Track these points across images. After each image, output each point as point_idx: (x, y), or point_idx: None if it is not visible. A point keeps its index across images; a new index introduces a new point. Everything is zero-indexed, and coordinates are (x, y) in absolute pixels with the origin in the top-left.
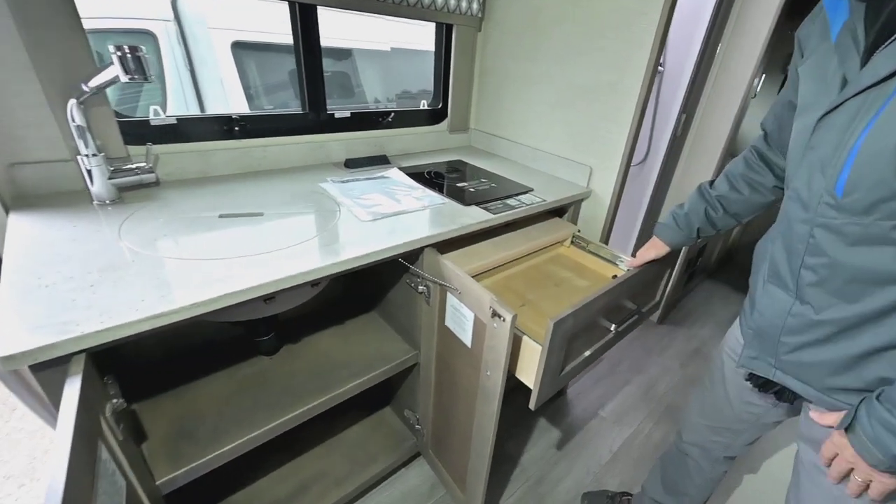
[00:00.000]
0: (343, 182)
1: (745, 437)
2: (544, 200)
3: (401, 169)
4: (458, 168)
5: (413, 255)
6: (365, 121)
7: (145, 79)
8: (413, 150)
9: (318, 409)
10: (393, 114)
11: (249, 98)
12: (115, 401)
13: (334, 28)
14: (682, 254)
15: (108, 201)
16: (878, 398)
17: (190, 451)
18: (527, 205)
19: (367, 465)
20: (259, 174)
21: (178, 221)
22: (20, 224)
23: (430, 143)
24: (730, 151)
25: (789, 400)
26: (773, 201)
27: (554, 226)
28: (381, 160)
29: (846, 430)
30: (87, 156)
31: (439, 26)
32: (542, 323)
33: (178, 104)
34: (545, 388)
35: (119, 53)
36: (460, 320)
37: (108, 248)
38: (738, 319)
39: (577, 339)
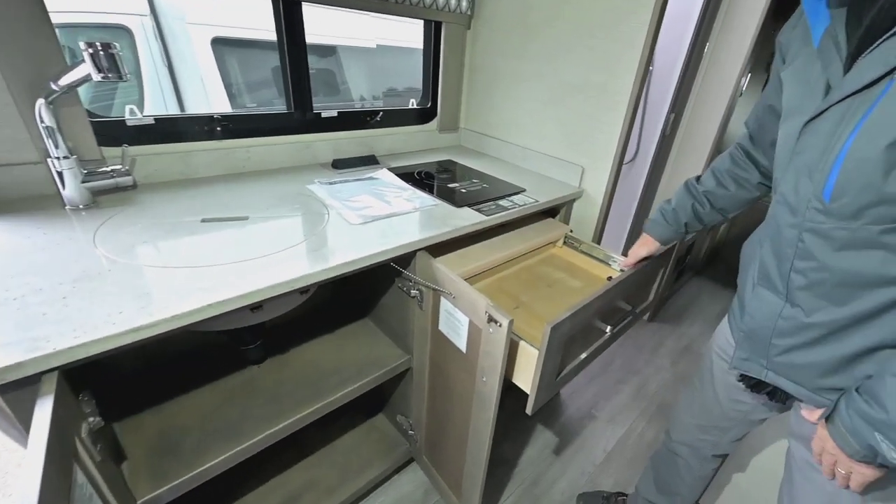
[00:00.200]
0: (331, 183)
1: (733, 434)
2: (537, 201)
3: (390, 169)
4: (448, 168)
5: (405, 259)
6: (352, 120)
7: (120, 77)
8: (402, 150)
9: (309, 419)
10: (381, 113)
11: (231, 96)
12: (91, 419)
13: (318, 24)
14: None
15: (81, 206)
16: (857, 390)
17: (173, 467)
18: (520, 205)
19: (360, 473)
20: (243, 176)
21: (157, 227)
22: None
23: (419, 143)
24: (718, 149)
25: (781, 400)
26: (758, 197)
27: (546, 226)
28: (370, 160)
29: (827, 420)
30: (57, 158)
31: (428, 24)
32: (537, 326)
33: (157, 103)
34: (542, 392)
35: (91, 50)
36: (454, 325)
37: (82, 257)
38: (726, 317)
39: (573, 342)
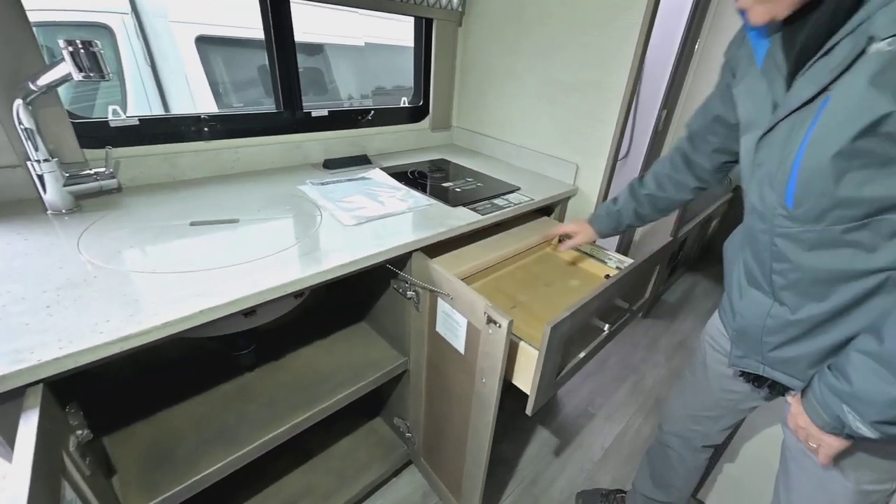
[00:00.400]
0: (323, 184)
1: (723, 423)
2: (532, 199)
3: (383, 169)
4: (441, 167)
5: (401, 261)
6: (343, 119)
7: (102, 77)
8: (394, 150)
9: (305, 424)
10: (373, 112)
11: (217, 96)
12: (79, 432)
13: (305, 22)
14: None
15: (64, 210)
16: (828, 367)
17: (166, 478)
18: (515, 204)
19: (357, 477)
20: (232, 177)
21: (144, 231)
22: None
23: (411, 142)
24: None
25: (781, 392)
26: (692, 199)
27: (542, 225)
28: (362, 160)
29: (802, 396)
30: (37, 161)
31: (418, 21)
32: (535, 326)
33: (140, 103)
34: (542, 393)
35: (71, 49)
36: (452, 326)
37: (65, 263)
38: (717, 310)
39: (572, 341)
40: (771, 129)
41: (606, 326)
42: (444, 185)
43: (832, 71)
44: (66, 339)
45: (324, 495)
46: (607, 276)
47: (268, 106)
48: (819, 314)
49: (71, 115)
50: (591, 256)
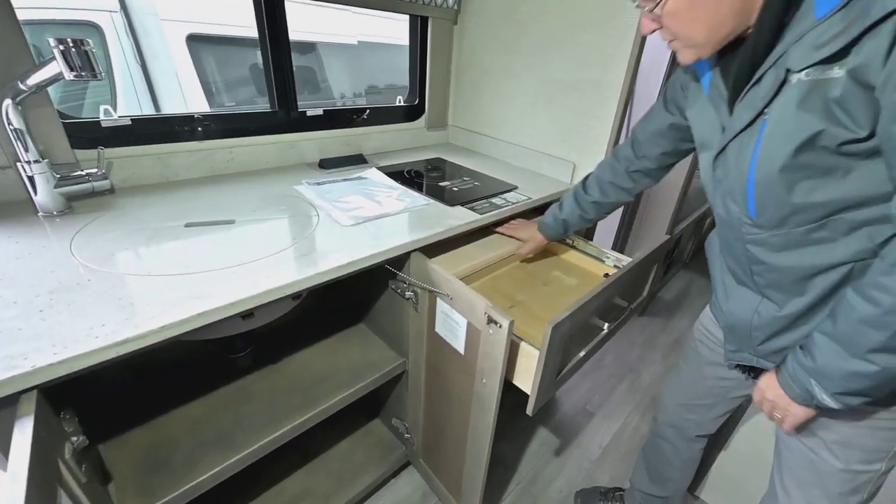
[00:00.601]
0: (319, 184)
1: (717, 411)
2: (530, 198)
3: (379, 168)
4: (437, 166)
5: (399, 261)
6: (338, 118)
7: (94, 76)
8: (390, 149)
9: (303, 427)
10: (368, 111)
11: (209, 95)
12: (74, 439)
13: (298, 20)
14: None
15: (55, 212)
16: (800, 347)
17: (163, 483)
18: (513, 203)
19: (356, 479)
20: (226, 178)
21: (138, 233)
22: None
23: (407, 141)
24: None
25: None
26: (632, 200)
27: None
28: (358, 160)
29: (777, 371)
30: (27, 162)
31: (413, 19)
32: (534, 325)
33: (130, 103)
34: (543, 393)
35: (62, 48)
36: (452, 327)
37: (58, 266)
38: (709, 304)
39: (571, 340)
40: (723, 149)
41: (606, 325)
42: (441, 184)
43: (763, 98)
44: (60, 345)
45: (324, 497)
46: (606, 275)
47: (262, 105)
48: (802, 307)
49: (62, 115)
50: (589, 255)
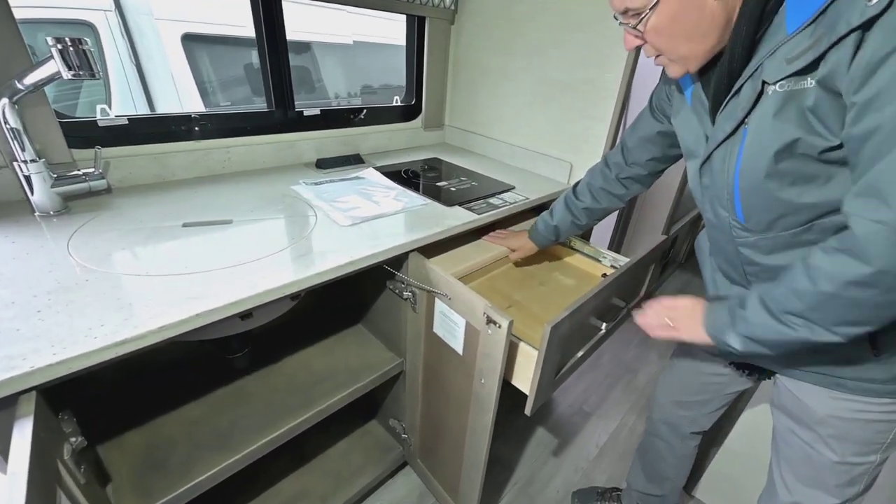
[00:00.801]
0: (316, 184)
1: (710, 407)
2: (527, 198)
3: (376, 168)
4: (434, 166)
5: (397, 261)
6: (336, 118)
7: (92, 75)
8: (387, 149)
9: (301, 428)
10: (365, 111)
11: (203, 94)
12: (73, 440)
13: (293, 20)
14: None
15: (52, 212)
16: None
17: (161, 484)
18: (510, 203)
19: (353, 479)
20: (224, 177)
21: (136, 233)
22: None
23: (403, 141)
24: None
25: (767, 376)
26: (623, 205)
27: None
28: (355, 159)
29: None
30: (24, 162)
31: (411, 19)
32: (532, 325)
33: (125, 103)
34: (541, 393)
35: (59, 47)
36: (450, 327)
37: (56, 267)
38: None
39: (570, 340)
40: (708, 157)
41: (604, 325)
42: (438, 184)
43: (742, 109)
44: (59, 345)
45: (321, 498)
46: (604, 276)
47: (258, 105)
48: None
49: (58, 114)
50: (586, 255)
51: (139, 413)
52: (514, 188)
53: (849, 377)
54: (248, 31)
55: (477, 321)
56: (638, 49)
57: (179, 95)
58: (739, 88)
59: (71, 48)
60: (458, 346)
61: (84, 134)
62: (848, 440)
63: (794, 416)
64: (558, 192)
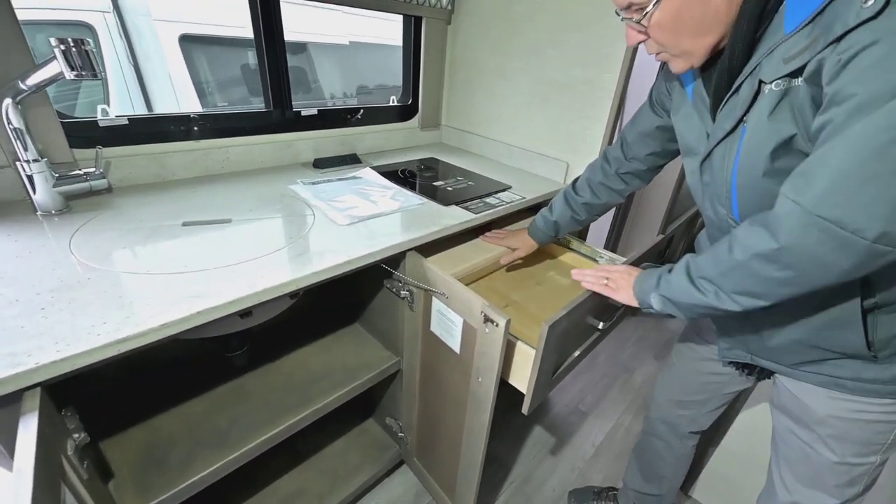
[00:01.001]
0: (314, 184)
1: (709, 406)
2: (524, 198)
3: (373, 168)
4: (431, 166)
5: (395, 260)
6: (333, 118)
7: (94, 76)
8: (384, 149)
9: (299, 426)
10: (362, 111)
11: (201, 95)
12: (76, 436)
13: (290, 20)
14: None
15: (53, 211)
16: (669, 270)
17: (161, 481)
18: (507, 202)
19: (350, 478)
20: (222, 177)
21: (136, 231)
22: None
23: (400, 141)
24: None
25: (766, 376)
26: (623, 201)
27: None
28: (352, 159)
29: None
30: (27, 161)
31: (407, 19)
32: (529, 325)
33: (123, 102)
34: (539, 392)
35: (62, 47)
36: (448, 326)
37: (58, 265)
38: None
39: (567, 339)
40: (709, 154)
41: (601, 324)
42: (435, 184)
43: (742, 107)
44: (62, 342)
45: (318, 496)
46: None
47: (256, 105)
48: (792, 305)
49: (60, 114)
50: (583, 255)
51: (140, 410)
52: (510, 188)
53: (848, 377)
54: (246, 31)
55: (474, 320)
56: (635, 49)
57: (177, 96)
58: (739, 86)
59: (73, 49)
60: (455, 344)
61: (85, 134)
62: (847, 440)
63: (794, 415)
64: (555, 192)
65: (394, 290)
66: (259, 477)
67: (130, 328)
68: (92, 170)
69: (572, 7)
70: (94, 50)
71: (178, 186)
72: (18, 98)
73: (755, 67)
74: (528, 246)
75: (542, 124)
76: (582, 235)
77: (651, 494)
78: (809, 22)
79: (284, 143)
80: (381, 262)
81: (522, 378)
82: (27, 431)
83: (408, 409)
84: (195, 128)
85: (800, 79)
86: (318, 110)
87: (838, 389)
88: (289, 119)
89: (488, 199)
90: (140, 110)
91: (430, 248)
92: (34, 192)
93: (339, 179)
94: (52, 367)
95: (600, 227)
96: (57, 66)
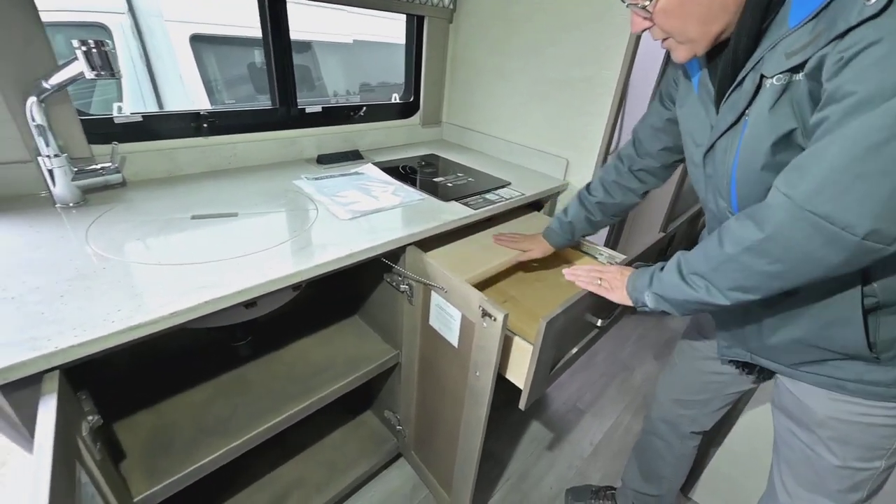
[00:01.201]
0: (317, 179)
1: (711, 407)
2: (523, 194)
3: (374, 164)
4: (431, 162)
5: (395, 254)
6: (336, 115)
7: (112, 75)
8: (385, 145)
9: (300, 416)
10: (365, 108)
11: (209, 93)
12: (90, 418)
13: (295, 20)
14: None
15: (71, 204)
16: (661, 269)
17: (167, 464)
18: (506, 198)
19: (348, 470)
20: (229, 172)
21: (148, 224)
22: None
23: (402, 137)
24: None
25: (768, 377)
26: (639, 202)
27: (532, 220)
28: (354, 155)
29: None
30: (48, 156)
31: (410, 18)
32: (527, 321)
33: (135, 100)
34: (536, 387)
35: (84, 48)
36: (446, 320)
37: (75, 255)
38: None
39: (565, 336)
40: (712, 146)
41: (599, 322)
42: (435, 180)
43: (744, 100)
44: (80, 328)
45: (316, 487)
46: None
47: (263, 102)
48: (791, 304)
49: (78, 111)
50: (583, 252)
51: (148, 396)
52: (510, 184)
53: (849, 379)
54: (254, 31)
55: (472, 314)
56: (635, 46)
57: (187, 93)
58: (742, 80)
59: (94, 50)
60: (453, 338)
61: (102, 130)
62: (850, 444)
63: (794, 416)
64: (554, 188)
65: (393, 283)
66: (260, 465)
67: (142, 316)
68: (108, 164)
69: (571, 6)
70: (113, 51)
71: (187, 181)
72: (42, 96)
73: (758, 61)
74: (541, 249)
75: (542, 121)
76: None
77: (650, 495)
78: (813, 17)
79: (289, 139)
80: (382, 256)
81: (520, 373)
82: (47, 410)
83: (406, 402)
84: (204, 125)
85: (801, 74)
86: (322, 107)
87: (839, 391)
88: (293, 116)
89: (487, 195)
90: (151, 107)
91: (429, 242)
92: (54, 185)
93: (342, 175)
94: (69, 352)
95: None
96: (78, 66)
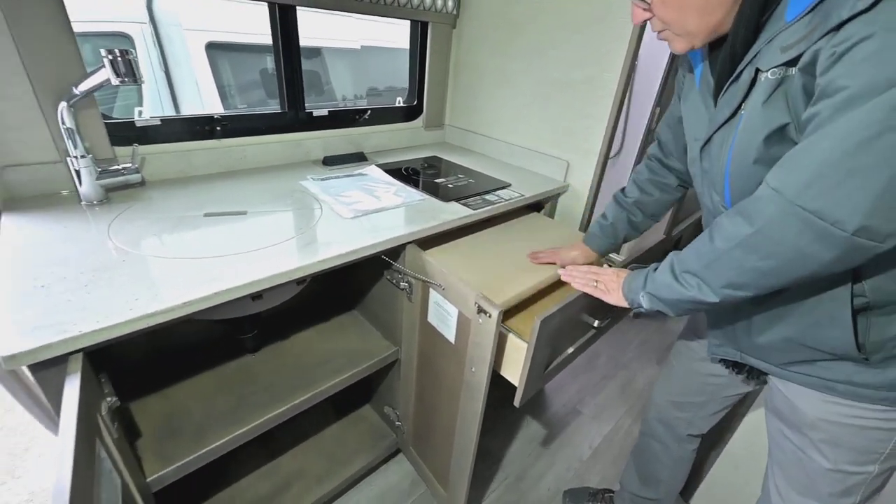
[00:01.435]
0: (323, 180)
1: (708, 410)
2: (523, 195)
3: (378, 165)
4: (434, 164)
5: (395, 252)
6: (342, 119)
7: (135, 81)
8: (389, 147)
9: (302, 407)
10: (369, 111)
11: (223, 97)
12: (109, 399)
13: (306, 27)
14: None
15: (95, 202)
16: (655, 269)
17: (178, 448)
18: (505, 200)
19: (347, 463)
20: (239, 173)
21: (164, 221)
22: (13, 225)
23: (405, 140)
24: None
25: (756, 376)
26: (680, 197)
27: (532, 221)
28: (359, 157)
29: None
30: (76, 157)
31: (414, 24)
32: (524, 319)
33: (154, 105)
34: (530, 385)
35: (110, 57)
36: (444, 316)
37: (98, 249)
38: None
39: (561, 336)
40: (708, 139)
41: (596, 322)
42: (437, 181)
43: (740, 94)
44: (102, 315)
45: (316, 479)
46: None
47: (272, 106)
48: (781, 302)
49: (103, 115)
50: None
51: (161, 384)
52: (510, 185)
53: (839, 380)
54: (265, 38)
55: (469, 311)
56: (636, 48)
57: (202, 98)
58: (739, 73)
59: (119, 58)
60: (450, 335)
61: (124, 133)
62: (841, 447)
63: (785, 418)
64: (555, 190)
65: (393, 281)
66: (261, 454)
67: (158, 304)
68: (129, 165)
69: (571, 8)
70: (136, 59)
71: (200, 181)
72: (72, 101)
73: (755, 55)
74: (584, 255)
75: (543, 123)
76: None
77: (648, 498)
78: (810, 11)
79: (296, 141)
80: (383, 254)
81: (515, 371)
82: (72, 388)
83: (405, 398)
84: (217, 128)
85: (795, 68)
86: (329, 111)
87: (829, 392)
88: (301, 119)
89: (487, 196)
90: (169, 112)
91: (429, 241)
92: (80, 184)
93: (346, 176)
94: (92, 336)
95: None
96: (105, 73)
